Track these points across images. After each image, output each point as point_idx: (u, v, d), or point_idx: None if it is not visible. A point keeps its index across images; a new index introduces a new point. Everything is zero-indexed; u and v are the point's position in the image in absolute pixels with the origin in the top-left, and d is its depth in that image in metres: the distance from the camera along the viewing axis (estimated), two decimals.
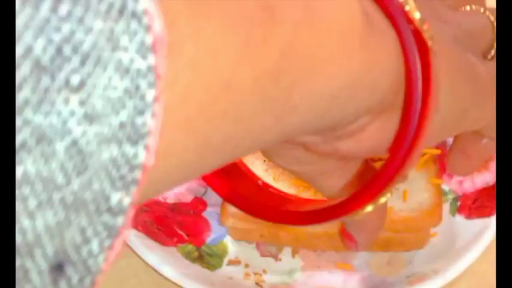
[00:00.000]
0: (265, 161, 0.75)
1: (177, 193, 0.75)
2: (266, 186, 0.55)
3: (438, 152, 0.76)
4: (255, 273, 0.71)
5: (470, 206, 0.74)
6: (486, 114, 0.55)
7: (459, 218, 0.73)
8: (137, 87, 0.29)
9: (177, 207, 0.74)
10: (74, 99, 0.29)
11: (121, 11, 0.28)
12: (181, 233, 0.73)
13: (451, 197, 0.75)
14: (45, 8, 0.29)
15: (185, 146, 0.33)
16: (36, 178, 0.30)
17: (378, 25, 0.41)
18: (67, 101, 0.29)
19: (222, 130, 0.35)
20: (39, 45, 0.29)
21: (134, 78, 0.29)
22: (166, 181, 0.36)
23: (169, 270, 0.68)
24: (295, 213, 0.50)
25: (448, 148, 0.78)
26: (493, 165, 0.75)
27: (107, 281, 0.73)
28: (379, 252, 0.72)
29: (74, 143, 0.29)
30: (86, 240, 0.30)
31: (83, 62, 0.28)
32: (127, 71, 0.29)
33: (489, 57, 0.59)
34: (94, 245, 0.30)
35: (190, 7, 0.32)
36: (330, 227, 0.71)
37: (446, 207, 0.72)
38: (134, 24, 0.29)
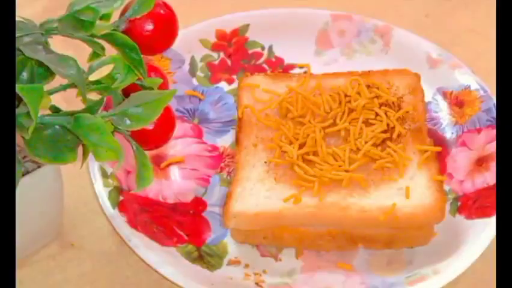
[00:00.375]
0: (265, 162, 0.75)
1: (177, 193, 0.75)
2: None
3: (439, 149, 0.76)
4: (255, 274, 0.71)
5: (470, 206, 0.74)
6: None
7: (459, 218, 0.73)
8: None
9: (177, 207, 0.74)
10: None
11: None
12: (181, 233, 0.73)
13: (451, 197, 0.75)
14: None
15: None
16: None
17: None
18: None
19: None
20: None
21: None
22: None
23: (169, 270, 0.68)
24: None
25: (448, 146, 0.79)
26: (493, 165, 0.76)
27: (107, 280, 0.74)
28: (379, 253, 0.72)
29: None
30: None
31: None
32: None
33: None
34: None
35: None
36: (334, 227, 0.71)
37: (446, 207, 0.72)
38: None
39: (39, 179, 0.64)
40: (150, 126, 0.60)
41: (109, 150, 0.57)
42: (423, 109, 0.78)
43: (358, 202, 0.71)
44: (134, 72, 0.60)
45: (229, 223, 0.71)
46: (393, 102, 0.77)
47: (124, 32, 0.61)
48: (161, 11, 0.62)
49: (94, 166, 0.73)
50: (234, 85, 0.83)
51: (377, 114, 0.76)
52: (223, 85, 0.83)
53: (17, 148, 0.58)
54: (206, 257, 0.72)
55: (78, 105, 0.59)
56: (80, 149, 0.59)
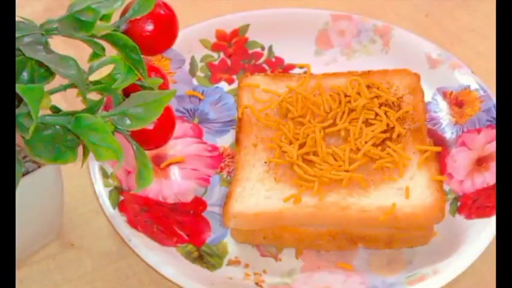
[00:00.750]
0: (265, 162, 0.75)
1: (177, 193, 0.75)
2: None
3: (439, 149, 0.76)
4: (255, 273, 0.71)
5: (470, 206, 0.74)
6: None
7: (459, 218, 0.74)
8: None
9: (177, 207, 0.74)
10: None
11: None
12: (181, 233, 0.73)
13: (451, 197, 0.75)
14: None
15: None
16: None
17: None
18: None
19: None
20: None
21: None
22: None
23: (169, 270, 0.68)
24: None
25: (447, 146, 0.79)
26: (493, 165, 0.76)
27: (107, 280, 0.74)
28: (379, 253, 0.72)
29: None
30: None
31: None
32: None
33: None
34: None
35: None
36: (333, 227, 0.71)
37: (446, 207, 0.72)
38: None
39: (39, 179, 0.64)
40: (150, 126, 0.60)
41: (109, 150, 0.57)
42: (423, 109, 0.78)
43: (358, 202, 0.71)
44: (134, 72, 0.60)
45: (229, 223, 0.71)
46: (393, 102, 0.77)
47: (124, 32, 0.61)
48: (162, 12, 0.62)
49: (94, 166, 0.73)
50: (234, 85, 0.83)
51: (376, 114, 0.76)
52: (223, 85, 0.84)
53: (17, 148, 0.58)
54: (206, 257, 0.72)
55: (78, 105, 0.60)
56: (80, 149, 0.59)
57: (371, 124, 0.76)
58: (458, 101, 0.80)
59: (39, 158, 0.57)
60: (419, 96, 0.79)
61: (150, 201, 0.74)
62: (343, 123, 0.75)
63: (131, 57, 0.60)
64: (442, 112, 0.81)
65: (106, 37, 0.60)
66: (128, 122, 0.58)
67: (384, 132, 0.75)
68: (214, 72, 0.84)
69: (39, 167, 0.64)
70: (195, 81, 0.83)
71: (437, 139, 0.78)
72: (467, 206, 0.74)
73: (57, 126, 0.58)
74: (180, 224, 0.73)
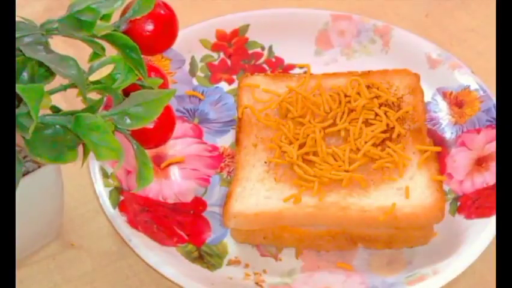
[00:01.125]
0: (265, 162, 0.75)
1: (177, 193, 0.75)
2: None
3: (439, 149, 0.76)
4: (255, 273, 0.71)
5: (470, 206, 0.74)
6: None
7: (459, 218, 0.74)
8: None
9: (177, 207, 0.74)
10: None
11: None
12: (181, 233, 0.73)
13: (451, 197, 0.75)
14: None
15: None
16: None
17: None
18: None
19: None
20: None
21: None
22: None
23: (169, 270, 0.68)
24: None
25: (447, 146, 0.79)
26: (492, 165, 0.76)
27: (107, 280, 0.74)
28: (379, 253, 0.72)
29: None
30: None
31: None
32: None
33: None
34: None
35: None
36: (333, 227, 0.71)
37: (446, 207, 0.72)
38: None
39: (39, 179, 0.64)
40: (150, 126, 0.60)
41: (109, 149, 0.57)
42: (423, 109, 0.78)
43: (358, 202, 0.71)
44: (134, 72, 0.60)
45: (229, 223, 0.71)
46: (393, 103, 0.77)
47: (125, 32, 0.61)
48: (162, 12, 0.62)
49: (94, 166, 0.73)
50: (234, 85, 0.83)
51: (376, 115, 0.76)
52: (223, 85, 0.84)
53: (17, 148, 0.58)
54: (206, 257, 0.72)
55: (78, 105, 0.60)
56: (80, 149, 0.59)
57: (371, 124, 0.76)
58: (458, 101, 0.80)
59: (39, 158, 0.57)
60: (419, 96, 0.79)
61: (150, 201, 0.74)
62: (343, 123, 0.75)
63: (131, 57, 0.60)
64: (442, 112, 0.81)
65: (106, 37, 0.60)
66: (128, 121, 0.58)
67: (384, 132, 0.75)
68: (214, 72, 0.84)
69: (39, 167, 0.64)
70: (195, 81, 0.83)
71: (437, 139, 0.78)
72: (467, 206, 0.74)
73: (57, 126, 0.58)
74: (180, 224, 0.73)
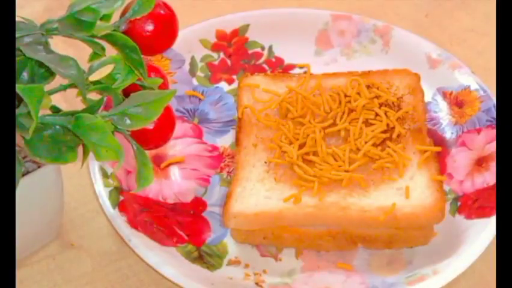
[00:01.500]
0: (265, 162, 0.75)
1: (177, 193, 0.75)
2: None
3: (439, 149, 0.76)
4: (255, 273, 0.71)
5: (470, 206, 0.74)
6: None
7: (459, 218, 0.74)
8: None
9: (177, 207, 0.74)
10: None
11: None
12: (180, 233, 0.73)
13: (451, 197, 0.75)
14: None
15: None
16: None
17: None
18: None
19: None
20: None
21: None
22: None
23: (169, 270, 0.68)
24: None
25: (447, 146, 0.79)
26: (492, 165, 0.76)
27: (107, 280, 0.74)
28: (379, 253, 0.72)
29: None
30: None
31: None
32: None
33: None
34: None
35: None
36: (333, 227, 0.71)
37: (446, 207, 0.72)
38: None
39: (39, 179, 0.64)
40: (150, 126, 0.60)
41: (109, 150, 0.57)
42: (423, 109, 0.78)
43: (358, 202, 0.71)
44: (134, 72, 0.60)
45: (229, 223, 0.71)
46: (393, 103, 0.77)
47: (124, 32, 0.61)
48: (162, 12, 0.62)
49: (94, 166, 0.73)
50: (234, 85, 0.83)
51: (376, 115, 0.76)
52: (223, 85, 0.84)
53: (17, 148, 0.58)
54: (206, 257, 0.72)
55: (78, 105, 0.60)
56: (80, 149, 0.59)
57: (371, 124, 0.76)
58: (458, 101, 0.80)
59: (39, 158, 0.57)
60: (419, 96, 0.79)
61: (150, 201, 0.74)
62: (343, 123, 0.75)
63: (131, 57, 0.60)
64: (442, 112, 0.81)
65: (106, 37, 0.60)
66: (128, 121, 0.58)
67: (384, 132, 0.75)
68: (214, 72, 0.84)
69: (39, 167, 0.64)
70: (195, 81, 0.83)
71: (437, 139, 0.78)
72: (467, 206, 0.74)
73: (57, 126, 0.58)
74: (180, 224, 0.73)
